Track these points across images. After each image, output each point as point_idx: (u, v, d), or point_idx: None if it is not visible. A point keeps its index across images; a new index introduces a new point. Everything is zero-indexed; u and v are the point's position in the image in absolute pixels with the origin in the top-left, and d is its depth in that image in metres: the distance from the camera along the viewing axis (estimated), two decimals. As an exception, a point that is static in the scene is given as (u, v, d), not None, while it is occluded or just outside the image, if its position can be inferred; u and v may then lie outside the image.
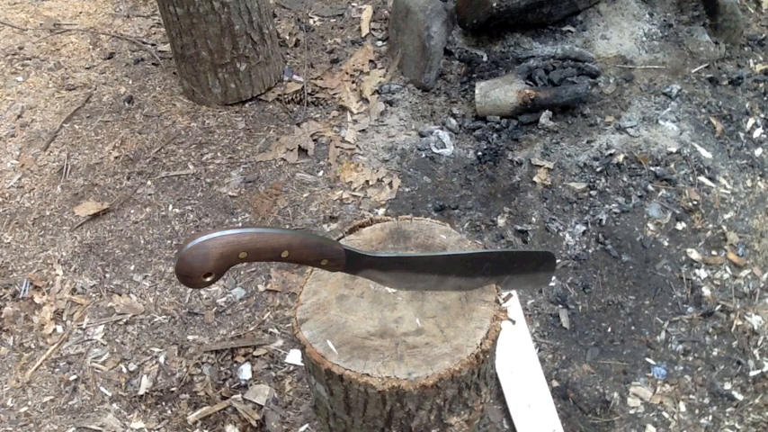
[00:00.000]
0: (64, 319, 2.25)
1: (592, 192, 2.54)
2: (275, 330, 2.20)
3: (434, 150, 2.73)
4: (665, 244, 2.39)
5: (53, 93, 3.15)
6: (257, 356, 2.12)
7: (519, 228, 2.43)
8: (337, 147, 2.79)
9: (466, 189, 2.60)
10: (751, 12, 3.28)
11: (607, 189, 2.54)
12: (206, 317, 2.24)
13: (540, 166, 2.63)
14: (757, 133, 2.78)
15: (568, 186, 2.57)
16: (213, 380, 2.07)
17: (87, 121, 2.99)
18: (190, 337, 2.19)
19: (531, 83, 2.81)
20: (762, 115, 2.84)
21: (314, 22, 3.47)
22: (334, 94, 3.03)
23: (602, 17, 3.13)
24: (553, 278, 2.29)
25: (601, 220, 2.44)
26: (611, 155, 2.64)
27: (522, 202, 2.53)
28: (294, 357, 2.11)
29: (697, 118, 2.80)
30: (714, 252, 2.38)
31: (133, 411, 2.01)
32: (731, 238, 2.40)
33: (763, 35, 3.16)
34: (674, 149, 2.65)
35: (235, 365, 2.10)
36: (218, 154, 2.80)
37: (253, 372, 2.09)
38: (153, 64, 3.29)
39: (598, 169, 2.60)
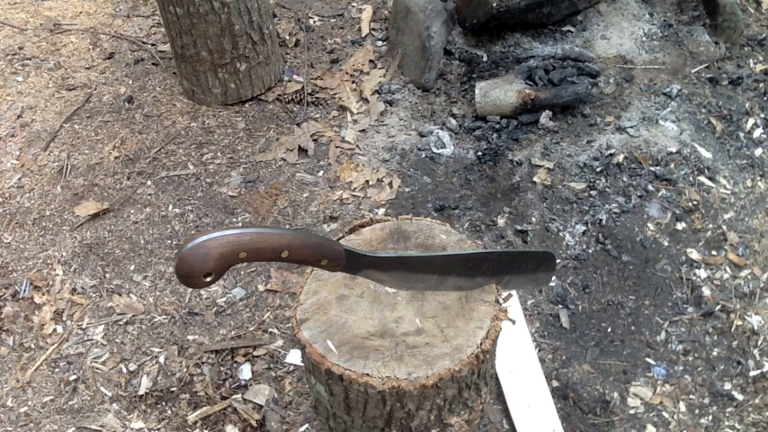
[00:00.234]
0: (64, 319, 2.25)
1: (592, 192, 2.54)
2: (275, 330, 2.20)
3: (434, 150, 2.73)
4: (665, 244, 2.39)
5: (53, 93, 3.15)
6: (257, 356, 2.12)
7: (519, 228, 2.43)
8: (337, 147, 2.79)
9: (466, 189, 2.60)
10: (751, 12, 3.28)
11: (607, 189, 2.54)
12: (206, 317, 2.24)
13: (540, 166, 2.63)
14: (757, 133, 2.78)
15: (568, 186, 2.57)
16: (213, 380, 2.07)
17: (87, 121, 2.99)
18: (190, 337, 2.19)
19: (531, 83, 2.81)
20: (762, 115, 2.84)
21: (314, 22, 3.47)
22: (334, 94, 3.03)
23: (602, 17, 3.13)
24: (553, 278, 2.29)
25: (601, 220, 2.44)
26: (611, 155, 2.64)
27: (522, 202, 2.53)
28: (294, 357, 2.11)
29: (697, 118, 2.80)
30: (714, 252, 2.38)
31: (133, 411, 2.01)
32: (731, 238, 2.40)
33: (763, 35, 3.16)
34: (674, 149, 2.65)
35: (235, 365, 2.10)
36: (218, 154, 2.80)
37: (253, 372, 2.09)
38: (153, 64, 3.29)
39: (598, 169, 2.60)
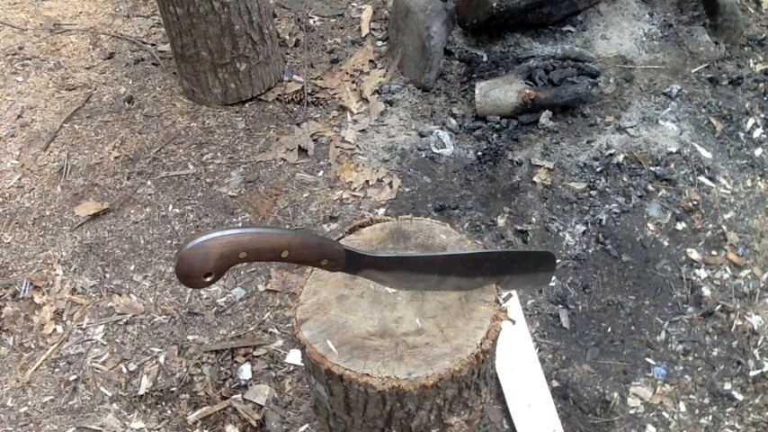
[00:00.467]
0: (64, 319, 2.25)
1: (592, 192, 2.54)
2: (275, 330, 2.20)
3: (434, 150, 2.73)
4: (665, 244, 2.39)
5: (53, 93, 3.15)
6: (257, 356, 2.12)
7: (519, 228, 2.43)
8: (337, 147, 2.79)
9: (466, 189, 2.60)
10: (751, 12, 3.28)
11: (607, 189, 2.54)
12: (206, 317, 2.24)
13: (540, 166, 2.63)
14: (757, 133, 2.78)
15: (568, 186, 2.57)
16: (213, 380, 2.07)
17: (87, 121, 2.99)
18: (190, 337, 2.19)
19: (531, 83, 2.81)
20: (762, 115, 2.84)
21: (314, 22, 3.47)
22: (334, 94, 3.03)
23: (602, 17, 3.13)
24: (553, 278, 2.29)
25: (601, 220, 2.44)
26: (611, 155, 2.64)
27: (522, 202, 2.53)
28: (294, 357, 2.11)
29: (697, 118, 2.80)
30: (714, 252, 2.38)
31: (133, 411, 2.01)
32: (731, 238, 2.40)
33: (763, 35, 3.16)
34: (674, 149, 2.65)
35: (235, 365, 2.10)
36: (218, 154, 2.80)
37: (253, 372, 2.09)
38: (153, 64, 3.29)
39: (598, 169, 2.60)
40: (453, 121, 2.83)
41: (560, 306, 2.24)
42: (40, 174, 2.76)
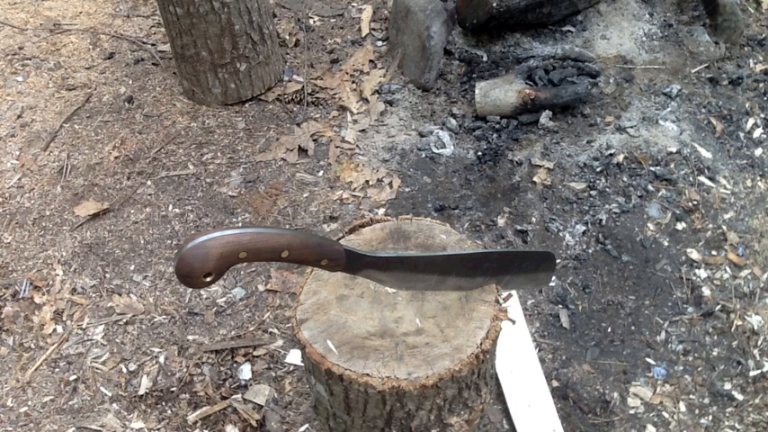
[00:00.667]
0: (64, 319, 2.25)
1: (592, 192, 2.54)
2: (275, 330, 2.20)
3: (434, 150, 2.73)
4: (665, 244, 2.39)
5: (53, 93, 3.15)
6: (257, 356, 2.12)
7: (519, 228, 2.43)
8: (337, 147, 2.79)
9: (466, 189, 2.60)
10: (751, 12, 3.28)
11: (607, 189, 2.54)
12: (206, 317, 2.24)
13: (540, 166, 2.63)
14: (757, 133, 2.78)
15: (568, 186, 2.57)
16: (213, 380, 2.07)
17: (87, 121, 2.99)
18: (190, 337, 2.19)
19: (531, 83, 2.81)
20: (762, 115, 2.84)
21: (314, 22, 3.47)
22: (334, 94, 3.03)
23: (602, 17, 3.13)
24: (553, 278, 2.29)
25: (601, 220, 2.44)
26: (611, 155, 2.64)
27: (522, 202, 2.53)
28: (294, 357, 2.11)
29: (697, 118, 2.80)
30: (714, 252, 2.38)
31: (133, 411, 2.01)
32: (731, 238, 2.40)
33: (763, 35, 3.16)
34: (674, 149, 2.65)
35: (235, 365, 2.10)
36: (218, 154, 2.80)
37: (253, 372, 2.09)
38: (153, 64, 3.29)
39: (598, 169, 2.60)
40: (453, 121, 2.83)
41: (560, 306, 2.24)
42: (40, 174, 2.76)
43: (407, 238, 1.32)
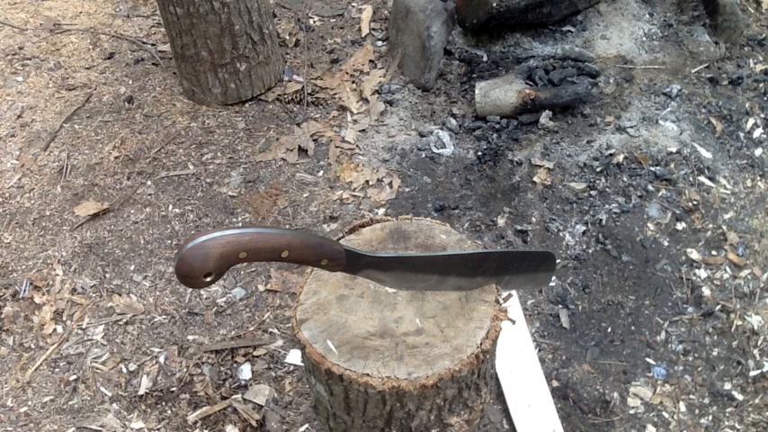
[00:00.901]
0: (64, 319, 2.25)
1: (592, 192, 2.54)
2: (275, 330, 2.20)
3: (434, 150, 2.73)
4: (665, 244, 2.39)
5: (53, 93, 3.15)
6: (257, 356, 2.12)
7: (519, 228, 2.43)
8: (337, 147, 2.79)
9: (466, 189, 2.60)
10: (751, 12, 3.28)
11: (607, 189, 2.54)
12: (206, 317, 2.24)
13: (540, 166, 2.63)
14: (757, 133, 2.78)
15: (568, 186, 2.57)
16: (213, 380, 2.07)
17: (87, 121, 2.99)
18: (190, 337, 2.19)
19: (531, 83, 2.81)
20: (762, 115, 2.84)
21: (314, 22, 3.47)
22: (334, 94, 3.03)
23: (602, 17, 3.13)
24: (553, 278, 2.29)
25: (601, 220, 2.44)
26: (611, 155, 2.64)
27: (522, 202, 2.53)
28: (294, 357, 2.11)
29: (697, 118, 2.80)
30: (714, 252, 2.38)
31: (133, 411, 2.01)
32: (731, 238, 2.40)
33: (763, 35, 3.16)
34: (674, 149, 2.65)
35: (235, 365, 2.10)
36: (218, 154, 2.80)
37: (253, 372, 2.09)
38: (153, 64, 3.30)
39: (598, 169, 2.60)
40: (453, 121, 2.83)
41: (560, 306, 2.24)
42: (40, 174, 2.76)
43: (407, 238, 1.32)
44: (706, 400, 2.04)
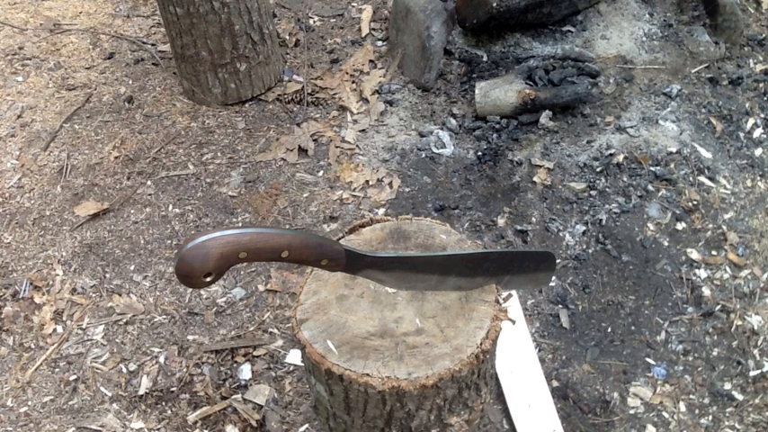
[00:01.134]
0: (64, 319, 2.25)
1: (592, 192, 2.54)
2: (275, 330, 2.20)
3: (434, 150, 2.73)
4: (665, 244, 2.39)
5: (53, 93, 3.15)
6: (257, 356, 2.12)
7: (519, 228, 2.43)
8: (337, 147, 2.79)
9: (466, 189, 2.60)
10: (751, 12, 3.28)
11: (607, 189, 2.54)
12: (206, 317, 2.24)
13: (540, 166, 2.63)
14: (757, 133, 2.78)
15: (568, 186, 2.57)
16: (213, 380, 2.07)
17: (87, 121, 2.99)
18: (190, 337, 2.19)
19: (531, 83, 2.81)
20: (762, 115, 2.84)
21: (314, 22, 3.47)
22: (334, 94, 3.03)
23: (602, 17, 3.13)
24: (553, 278, 2.29)
25: (601, 220, 2.44)
26: (611, 155, 2.64)
27: (522, 202, 2.53)
28: (294, 357, 2.11)
29: (697, 118, 2.80)
30: (714, 252, 2.38)
31: (133, 411, 2.01)
32: (731, 238, 2.40)
33: (763, 35, 3.16)
34: (674, 149, 2.65)
35: (235, 365, 2.10)
36: (218, 154, 2.80)
37: (253, 372, 2.09)
38: (153, 64, 3.30)
39: (598, 169, 2.60)
40: (453, 121, 2.83)
41: (560, 306, 2.24)
42: (40, 174, 2.76)
43: (407, 238, 1.32)
44: (706, 400, 2.04)
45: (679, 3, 3.16)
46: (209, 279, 0.99)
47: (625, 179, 2.57)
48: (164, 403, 2.03)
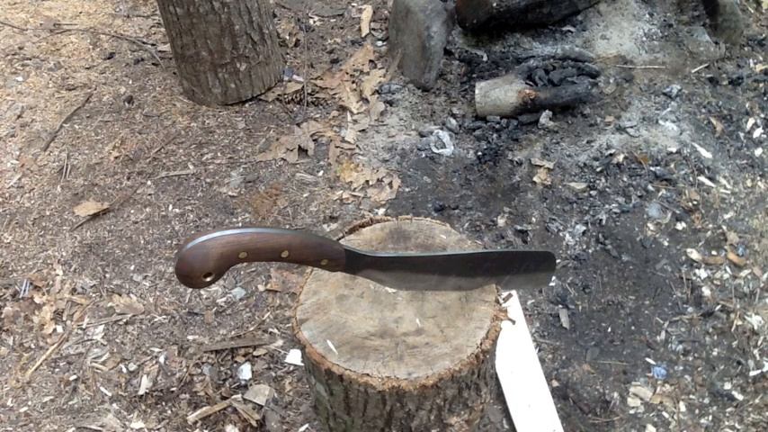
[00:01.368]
0: (64, 319, 2.25)
1: (592, 192, 2.54)
2: (275, 330, 2.20)
3: (434, 150, 2.73)
4: (665, 244, 2.39)
5: (53, 93, 3.15)
6: (257, 356, 2.12)
7: (519, 228, 2.43)
8: (337, 147, 2.79)
9: (466, 189, 2.60)
10: (751, 12, 3.28)
11: (607, 189, 2.54)
12: (206, 317, 2.24)
13: (540, 166, 2.63)
14: (757, 133, 2.78)
15: (568, 186, 2.57)
16: (213, 380, 2.07)
17: (87, 121, 2.99)
18: (190, 337, 2.19)
19: (531, 83, 2.81)
20: (762, 115, 2.84)
21: (314, 22, 3.47)
22: (334, 94, 3.03)
23: (602, 17, 3.13)
24: (553, 278, 2.29)
25: (601, 220, 2.44)
26: (611, 155, 2.64)
27: (522, 202, 2.53)
28: (294, 357, 2.11)
29: (697, 118, 2.80)
30: (714, 252, 2.38)
31: (133, 411, 2.01)
32: (731, 238, 2.40)
33: (763, 35, 3.16)
34: (674, 149, 2.65)
35: (235, 365, 2.10)
36: (218, 154, 2.80)
37: (253, 372, 2.09)
38: (153, 64, 3.30)
39: (598, 169, 2.60)
40: (453, 121, 2.83)
41: (560, 306, 2.24)
42: (40, 174, 2.76)
43: (407, 238, 1.32)
44: (706, 400, 2.04)
45: (679, 3, 3.16)
46: (209, 279, 0.99)
47: (625, 179, 2.57)
48: (164, 403, 2.03)
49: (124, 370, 2.12)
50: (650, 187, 2.54)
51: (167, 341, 2.18)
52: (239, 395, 2.03)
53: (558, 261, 2.32)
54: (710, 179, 2.57)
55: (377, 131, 2.86)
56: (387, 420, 1.18)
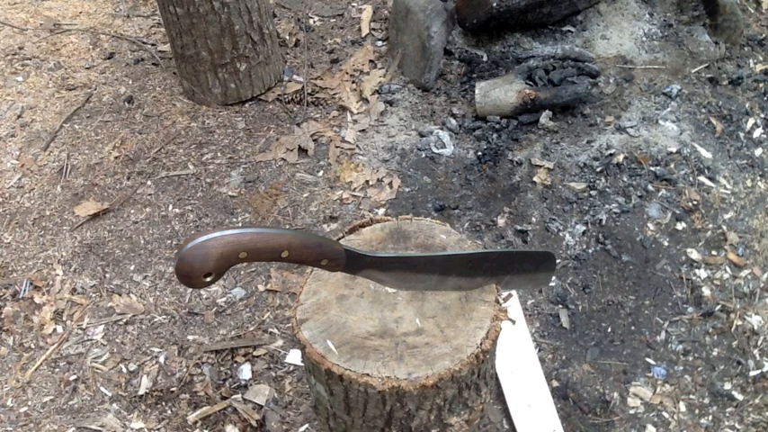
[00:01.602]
0: (64, 319, 2.25)
1: (592, 192, 2.54)
2: (275, 330, 2.20)
3: (434, 150, 2.73)
4: (665, 244, 2.39)
5: (53, 93, 3.15)
6: (257, 356, 2.12)
7: (519, 228, 2.43)
8: (337, 147, 2.79)
9: (466, 189, 2.60)
10: (751, 12, 3.28)
11: (607, 189, 2.54)
12: (206, 317, 2.24)
13: (540, 166, 2.63)
14: (757, 133, 2.78)
15: (568, 186, 2.57)
16: (213, 380, 2.07)
17: (87, 121, 2.99)
18: (190, 337, 2.19)
19: (531, 83, 2.81)
20: (762, 115, 2.84)
21: (314, 22, 3.47)
22: (334, 94, 3.03)
23: (602, 17, 3.13)
24: (553, 278, 2.29)
25: (601, 220, 2.44)
26: (611, 155, 2.64)
27: (522, 202, 2.53)
28: (294, 357, 2.11)
29: (697, 118, 2.80)
30: (714, 252, 2.38)
31: (133, 411, 2.01)
32: (731, 238, 2.40)
33: (763, 35, 3.16)
34: (674, 149, 2.65)
35: (235, 365, 2.10)
36: (218, 154, 2.80)
37: (253, 372, 2.09)
38: (153, 64, 3.30)
39: (598, 169, 2.60)
40: (453, 121, 2.83)
41: (560, 306, 2.24)
42: (40, 174, 2.76)
43: (407, 238, 1.32)
44: (706, 400, 2.04)
45: (679, 3, 3.16)
46: (209, 279, 0.99)
47: (625, 179, 2.57)
48: (164, 403, 2.03)
49: (124, 370, 2.12)
50: (650, 187, 2.54)
51: (167, 341, 2.18)
52: (239, 395, 2.03)
53: (558, 261, 2.32)
54: (710, 179, 2.57)
55: (377, 131, 2.86)
56: (387, 420, 1.18)
